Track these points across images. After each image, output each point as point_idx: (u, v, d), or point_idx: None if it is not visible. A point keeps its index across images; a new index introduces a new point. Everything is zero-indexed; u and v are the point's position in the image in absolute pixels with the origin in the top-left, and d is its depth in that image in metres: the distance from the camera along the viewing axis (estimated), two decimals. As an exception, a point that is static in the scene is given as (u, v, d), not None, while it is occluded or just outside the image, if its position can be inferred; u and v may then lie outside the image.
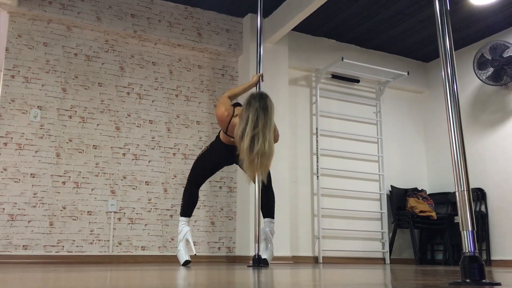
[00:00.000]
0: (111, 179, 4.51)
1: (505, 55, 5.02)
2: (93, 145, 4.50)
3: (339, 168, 5.49)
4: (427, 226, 5.50)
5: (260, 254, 3.42)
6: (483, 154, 5.41)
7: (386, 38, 5.63)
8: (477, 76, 5.26)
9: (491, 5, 4.83)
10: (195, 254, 3.61)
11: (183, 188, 3.63)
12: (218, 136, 3.47)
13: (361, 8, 4.96)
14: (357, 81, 5.84)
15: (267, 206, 3.55)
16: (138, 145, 4.69)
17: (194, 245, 3.58)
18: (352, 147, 5.65)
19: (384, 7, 4.93)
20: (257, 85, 3.69)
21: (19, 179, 4.18)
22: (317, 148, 5.36)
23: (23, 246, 4.09)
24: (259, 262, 3.36)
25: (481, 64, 5.20)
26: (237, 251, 4.88)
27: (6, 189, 4.12)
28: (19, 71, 4.34)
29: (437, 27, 1.86)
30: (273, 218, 3.54)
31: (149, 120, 4.78)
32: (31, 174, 4.23)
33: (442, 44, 1.83)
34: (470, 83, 5.60)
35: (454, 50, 1.84)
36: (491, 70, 5.12)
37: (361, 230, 5.47)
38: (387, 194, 5.69)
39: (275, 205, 3.59)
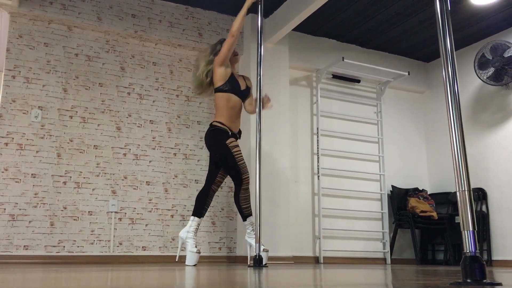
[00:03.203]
0: (112, 179, 4.51)
1: (506, 55, 5.01)
2: (94, 145, 4.50)
3: (340, 168, 5.49)
4: (428, 226, 5.49)
5: (260, 254, 3.42)
6: (484, 154, 5.41)
7: (386, 38, 5.63)
8: (478, 76, 5.26)
9: (491, 5, 4.83)
10: (175, 260, 3.75)
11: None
12: (221, 123, 3.66)
13: (362, 8, 4.96)
14: (358, 81, 5.83)
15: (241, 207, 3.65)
16: (139, 145, 4.69)
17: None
18: (353, 147, 5.65)
19: (385, 7, 4.93)
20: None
21: (20, 179, 4.18)
22: (317, 148, 5.36)
23: (24, 246, 4.10)
24: (259, 262, 3.36)
25: (482, 64, 5.20)
26: (237, 251, 4.88)
27: (7, 189, 4.12)
28: (20, 72, 4.34)
29: (437, 27, 1.86)
30: (251, 214, 3.63)
31: (150, 120, 4.78)
32: (32, 174, 4.23)
33: (442, 44, 1.83)
34: (471, 83, 5.60)
35: (455, 50, 1.84)
36: (491, 70, 5.12)
37: (362, 230, 5.47)
38: (388, 194, 5.69)
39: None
